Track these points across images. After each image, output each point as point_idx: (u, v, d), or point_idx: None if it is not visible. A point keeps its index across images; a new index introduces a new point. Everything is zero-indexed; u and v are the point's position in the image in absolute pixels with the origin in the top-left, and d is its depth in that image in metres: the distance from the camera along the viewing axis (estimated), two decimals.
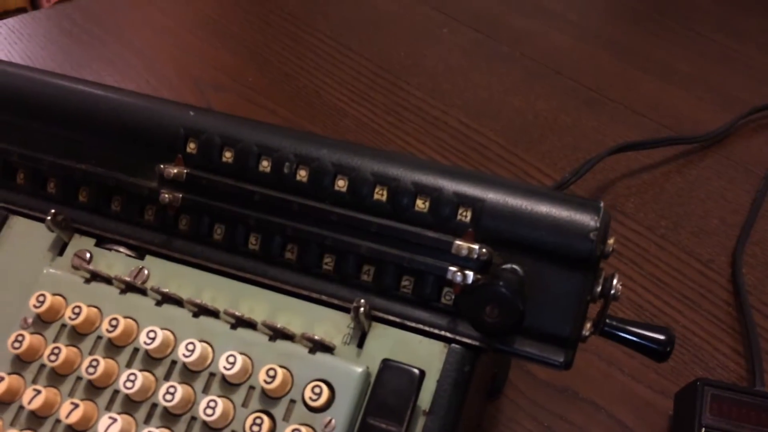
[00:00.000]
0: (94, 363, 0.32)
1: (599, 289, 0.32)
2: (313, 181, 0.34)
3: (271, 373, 0.31)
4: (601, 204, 0.32)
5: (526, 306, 0.30)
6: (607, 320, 0.34)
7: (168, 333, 0.33)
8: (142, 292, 0.34)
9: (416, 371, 0.31)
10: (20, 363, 0.33)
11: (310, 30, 0.80)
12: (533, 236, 0.31)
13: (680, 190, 0.62)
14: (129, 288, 0.35)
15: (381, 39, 0.79)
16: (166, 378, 0.32)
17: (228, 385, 0.32)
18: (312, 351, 0.32)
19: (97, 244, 0.36)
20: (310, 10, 0.84)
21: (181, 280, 0.35)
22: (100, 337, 0.33)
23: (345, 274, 0.34)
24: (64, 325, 0.34)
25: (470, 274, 0.31)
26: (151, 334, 0.32)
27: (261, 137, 0.35)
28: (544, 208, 0.31)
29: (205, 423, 0.31)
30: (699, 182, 0.63)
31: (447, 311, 0.33)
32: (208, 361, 0.32)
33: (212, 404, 0.31)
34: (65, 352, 0.32)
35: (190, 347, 0.32)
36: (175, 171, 0.35)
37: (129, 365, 0.33)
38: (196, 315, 0.33)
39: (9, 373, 0.33)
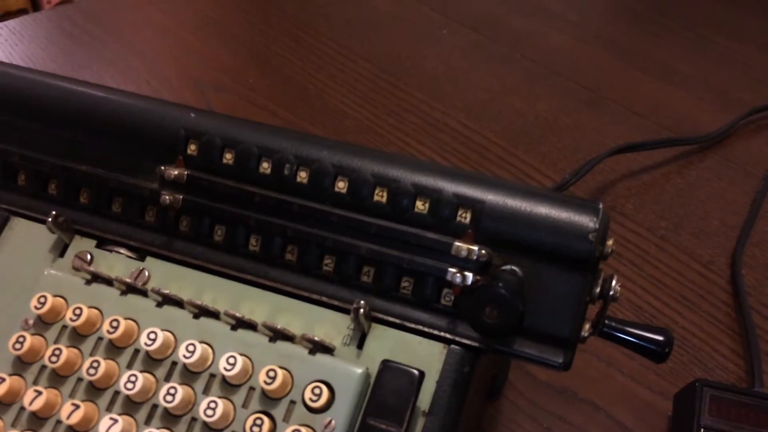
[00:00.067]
0: (95, 364, 0.32)
1: (598, 290, 0.32)
2: (313, 182, 0.34)
3: (272, 374, 0.31)
4: (600, 205, 0.32)
5: (525, 307, 0.30)
6: (607, 321, 0.34)
7: (168, 334, 0.33)
8: (143, 293, 0.35)
9: (416, 372, 0.31)
10: (21, 364, 0.33)
11: (311, 31, 0.80)
12: (533, 237, 0.31)
13: (680, 191, 0.62)
14: (130, 289, 0.35)
15: (381, 41, 0.80)
16: (167, 379, 0.32)
17: (228, 386, 0.32)
18: (312, 352, 0.32)
19: (97, 246, 0.37)
20: (311, 12, 0.84)
21: (181, 282, 0.35)
22: (100, 338, 0.34)
23: (345, 276, 0.34)
24: (65, 327, 0.34)
25: (470, 276, 0.31)
26: (152, 335, 0.32)
27: (261, 139, 0.35)
28: (543, 210, 0.32)
29: (205, 424, 0.31)
30: (699, 183, 0.63)
31: (446, 312, 0.33)
32: (209, 362, 0.32)
33: (213, 405, 0.31)
34: (66, 353, 0.33)
35: (191, 348, 0.32)
36: (176, 172, 0.35)
37: (130, 366, 0.33)
38: (196, 316, 0.34)
39: (10, 374, 0.33)
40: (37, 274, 0.35)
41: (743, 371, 0.48)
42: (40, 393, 0.32)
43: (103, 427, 0.31)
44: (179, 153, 0.35)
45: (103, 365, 0.32)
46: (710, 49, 0.80)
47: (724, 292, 0.53)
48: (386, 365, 0.31)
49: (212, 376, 0.32)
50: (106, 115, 0.37)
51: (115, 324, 0.33)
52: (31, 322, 0.34)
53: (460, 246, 0.32)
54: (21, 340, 0.33)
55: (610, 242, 0.32)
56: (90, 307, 0.34)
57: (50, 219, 0.35)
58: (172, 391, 0.31)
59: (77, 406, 0.31)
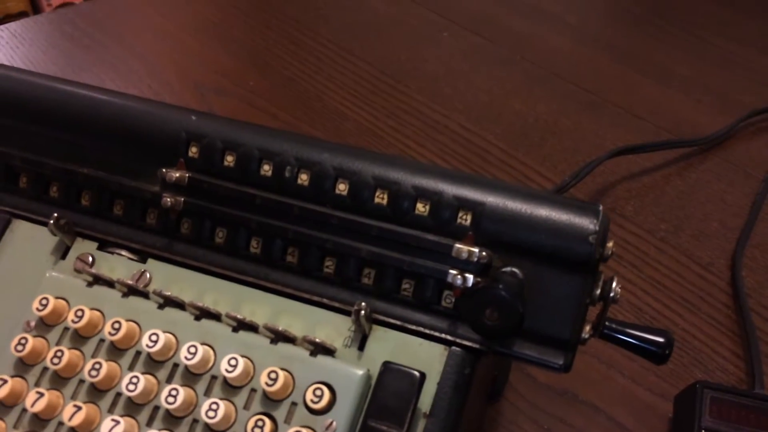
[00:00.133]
0: (97, 366, 0.32)
1: (598, 291, 0.32)
2: (314, 184, 0.34)
3: (273, 375, 0.31)
4: (600, 207, 0.32)
5: (525, 309, 0.30)
6: (607, 323, 0.34)
7: (170, 336, 0.33)
8: (145, 295, 0.35)
9: (417, 374, 0.31)
10: (23, 366, 0.33)
11: (311, 34, 0.81)
12: (533, 239, 0.31)
13: (680, 193, 0.62)
14: (131, 291, 0.35)
15: (382, 43, 0.80)
16: (169, 381, 0.33)
17: (230, 388, 0.32)
18: (313, 354, 0.32)
19: (99, 248, 0.37)
20: (311, 15, 0.84)
21: (183, 284, 0.35)
22: (102, 340, 0.34)
23: (346, 277, 0.34)
24: (66, 328, 0.34)
25: (470, 277, 0.31)
26: (153, 337, 0.32)
27: (262, 141, 0.35)
28: (543, 212, 0.32)
29: (207, 425, 0.31)
30: (699, 185, 0.63)
31: (447, 314, 0.33)
32: (210, 364, 0.33)
33: (214, 407, 0.31)
34: (68, 355, 0.33)
35: (192, 350, 0.32)
36: (177, 175, 0.35)
37: (131, 368, 0.33)
38: (198, 318, 0.34)
39: (12, 376, 0.33)
40: (39, 276, 0.35)
41: (743, 373, 0.48)
42: (42, 395, 0.32)
43: (104, 429, 0.31)
44: (180, 156, 0.35)
45: (105, 367, 0.32)
46: (709, 52, 0.81)
47: (724, 294, 0.54)
48: (387, 367, 0.31)
49: (214, 377, 0.32)
50: (108, 118, 0.37)
51: (116, 326, 0.33)
52: (32, 324, 0.34)
53: (461, 248, 0.32)
54: (23, 341, 0.33)
55: (610, 244, 0.32)
56: (92, 309, 0.34)
57: (52, 221, 0.35)
58: (173, 392, 0.31)
59: (79, 408, 0.31)
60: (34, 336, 0.34)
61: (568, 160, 0.65)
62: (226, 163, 0.35)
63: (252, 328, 0.33)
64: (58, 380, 0.33)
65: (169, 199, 0.35)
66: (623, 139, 0.67)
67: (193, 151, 0.35)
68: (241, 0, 0.87)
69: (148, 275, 0.36)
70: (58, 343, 0.34)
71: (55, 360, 0.33)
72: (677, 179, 0.64)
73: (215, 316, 0.34)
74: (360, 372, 0.31)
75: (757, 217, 0.59)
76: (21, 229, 0.37)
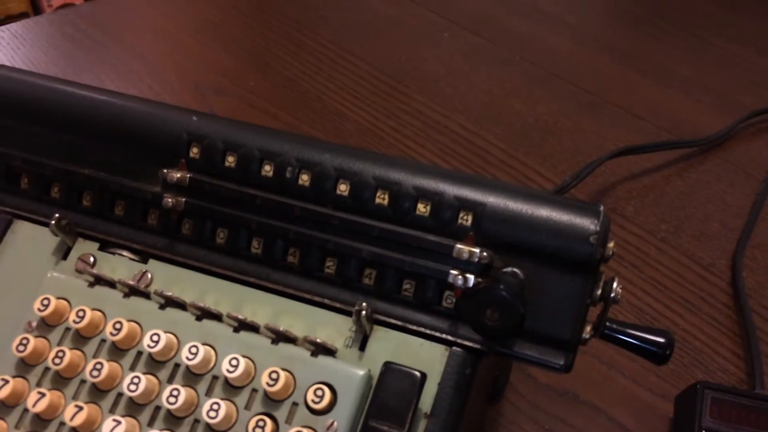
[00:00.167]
0: (98, 366, 0.32)
1: (599, 292, 0.32)
2: (315, 185, 0.34)
3: (274, 375, 0.31)
4: (601, 208, 0.32)
5: (526, 309, 0.30)
6: (607, 323, 0.34)
7: (171, 336, 0.33)
8: (146, 295, 0.35)
9: (418, 374, 0.31)
10: (24, 366, 0.33)
11: (312, 34, 0.81)
12: (534, 240, 0.32)
13: (680, 194, 0.62)
14: (132, 292, 0.35)
15: (382, 43, 0.80)
16: (170, 381, 0.33)
17: (231, 388, 0.32)
18: (314, 354, 0.32)
19: (100, 248, 0.37)
20: (311, 15, 0.84)
21: (184, 284, 0.35)
22: (103, 341, 0.34)
23: (347, 278, 0.34)
24: (68, 329, 0.34)
25: (471, 278, 0.31)
26: (155, 338, 0.32)
27: (263, 142, 0.35)
28: (544, 212, 0.32)
29: (208, 425, 0.31)
30: (699, 186, 0.63)
31: (448, 314, 0.33)
32: (211, 364, 0.33)
33: (215, 407, 0.31)
34: (69, 355, 0.33)
35: (194, 350, 0.32)
36: (178, 175, 0.35)
37: (133, 368, 0.33)
38: (199, 318, 0.34)
39: (13, 376, 0.33)
40: (41, 277, 0.35)
41: (744, 373, 0.48)
42: (43, 395, 0.32)
43: (106, 429, 0.31)
44: (181, 156, 0.36)
45: (107, 367, 0.32)
46: (709, 52, 0.81)
47: (725, 295, 0.54)
48: (388, 367, 0.31)
49: (215, 378, 0.32)
50: (109, 118, 0.37)
51: (118, 326, 0.33)
52: (34, 324, 0.34)
53: (462, 248, 0.32)
54: (24, 342, 0.33)
55: (610, 245, 0.32)
56: (93, 309, 0.34)
57: (53, 222, 0.35)
58: (175, 392, 0.31)
59: (80, 408, 0.31)
60: (36, 336, 0.34)
61: (568, 160, 0.65)
62: (227, 164, 0.35)
63: (253, 328, 0.33)
64: (60, 380, 0.33)
65: (170, 200, 0.35)
66: (624, 140, 0.67)
67: (194, 151, 0.35)
68: (242, 1, 0.87)
69: (149, 276, 0.36)
70: (59, 344, 0.34)
71: (57, 360, 0.33)
72: (678, 180, 0.64)
73: (216, 317, 0.34)
74: (361, 372, 0.31)
75: (757, 217, 0.59)
76: (22, 229, 0.37)
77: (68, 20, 0.81)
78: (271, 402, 0.31)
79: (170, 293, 0.34)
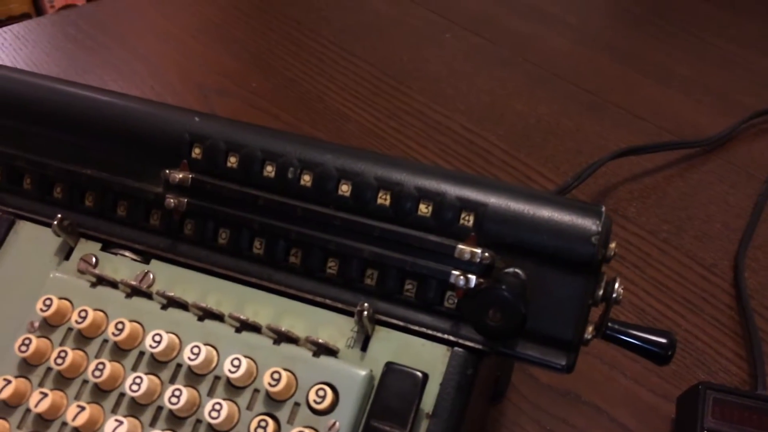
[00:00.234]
0: (100, 366, 0.32)
1: (601, 292, 0.32)
2: (316, 185, 0.34)
3: (276, 376, 0.31)
4: (603, 208, 0.32)
5: (528, 309, 0.30)
6: (609, 324, 0.34)
7: (173, 336, 0.33)
8: (148, 296, 0.35)
9: (419, 374, 0.31)
10: (27, 366, 0.34)
11: (313, 35, 0.81)
12: (535, 240, 0.32)
13: (682, 195, 0.62)
14: (135, 292, 0.35)
15: (383, 44, 0.80)
16: (172, 381, 0.33)
17: (233, 388, 0.32)
18: (316, 354, 0.32)
19: (103, 249, 0.37)
20: (313, 16, 0.84)
21: (186, 284, 0.35)
22: (106, 341, 0.34)
23: (348, 278, 0.34)
24: (70, 329, 0.34)
25: (473, 278, 0.31)
26: (157, 338, 0.33)
27: (265, 142, 0.35)
28: (546, 213, 0.32)
29: (210, 425, 0.31)
30: (701, 186, 0.63)
31: (450, 315, 0.33)
32: (213, 365, 0.33)
33: (217, 407, 0.31)
34: (71, 355, 0.33)
35: (195, 350, 0.32)
36: (181, 176, 0.35)
37: (135, 368, 0.33)
38: (201, 319, 0.34)
39: (16, 377, 0.33)
40: (43, 277, 0.35)
41: (746, 374, 0.48)
42: (45, 395, 0.32)
43: (108, 429, 0.31)
44: (184, 157, 0.36)
45: (109, 367, 0.32)
46: (710, 52, 0.81)
47: (727, 295, 0.54)
48: (390, 367, 0.31)
49: (217, 378, 0.32)
50: (111, 119, 0.37)
51: (120, 326, 0.33)
52: (36, 324, 0.34)
53: (463, 249, 0.32)
54: (27, 342, 0.33)
55: (612, 245, 0.32)
56: (95, 309, 0.34)
57: (56, 222, 0.36)
58: (177, 393, 0.31)
59: (83, 408, 0.31)
60: (38, 336, 0.34)
61: (570, 161, 0.65)
62: (229, 165, 0.35)
63: (255, 328, 0.33)
64: (62, 380, 0.33)
65: (172, 200, 0.35)
66: (625, 140, 0.67)
67: (197, 152, 0.35)
68: (243, 2, 0.87)
69: (151, 276, 0.36)
70: (61, 344, 0.34)
71: (59, 360, 0.33)
72: (679, 180, 0.64)
73: (218, 317, 0.34)
74: (363, 372, 0.31)
75: (759, 218, 0.59)
76: (25, 230, 0.38)
77: (70, 21, 0.81)
78: (273, 402, 0.31)
79: (172, 293, 0.34)
